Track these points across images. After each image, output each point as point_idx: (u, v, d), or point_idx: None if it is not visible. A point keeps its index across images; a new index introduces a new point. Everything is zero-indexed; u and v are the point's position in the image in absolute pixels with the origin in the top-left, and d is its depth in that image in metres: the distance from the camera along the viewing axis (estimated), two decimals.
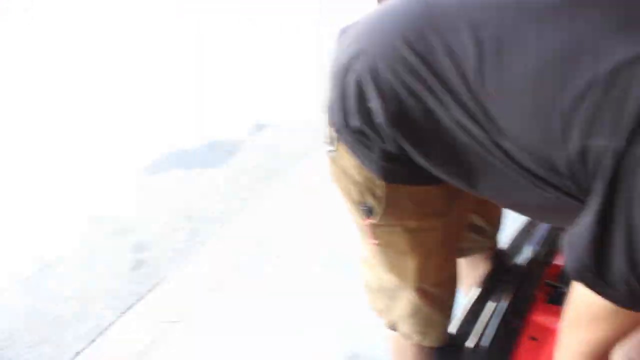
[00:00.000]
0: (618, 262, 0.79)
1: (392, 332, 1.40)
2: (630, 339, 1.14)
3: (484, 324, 1.40)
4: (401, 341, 1.40)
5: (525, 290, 1.42)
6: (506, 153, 0.90)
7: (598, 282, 0.84)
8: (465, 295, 1.56)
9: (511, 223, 1.62)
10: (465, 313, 1.47)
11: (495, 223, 1.52)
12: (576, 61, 0.80)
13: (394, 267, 1.22)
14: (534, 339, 1.28)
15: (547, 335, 1.27)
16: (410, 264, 1.19)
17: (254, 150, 3.35)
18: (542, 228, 1.64)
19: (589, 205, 0.80)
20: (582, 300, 0.90)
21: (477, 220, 1.44)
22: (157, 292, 2.54)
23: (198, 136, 3.56)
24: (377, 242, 1.19)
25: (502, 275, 1.53)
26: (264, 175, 3.10)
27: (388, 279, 1.26)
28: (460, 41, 0.90)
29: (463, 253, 1.53)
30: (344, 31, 1.14)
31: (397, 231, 1.15)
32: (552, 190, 0.89)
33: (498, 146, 0.90)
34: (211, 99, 3.94)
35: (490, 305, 1.44)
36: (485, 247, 1.55)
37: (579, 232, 0.83)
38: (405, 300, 1.28)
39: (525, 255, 1.58)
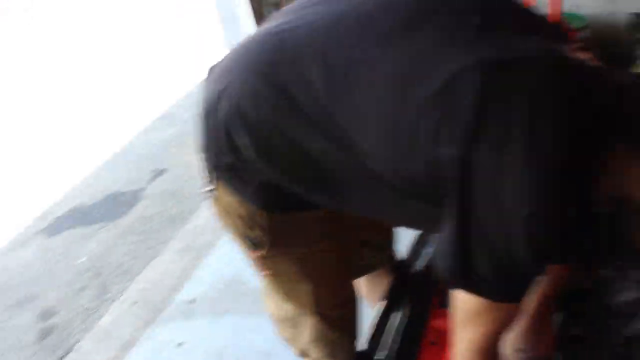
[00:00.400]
0: (481, 262, 0.84)
1: (304, 359, 1.41)
2: (514, 328, 1.21)
3: (390, 337, 1.43)
4: None
5: (424, 297, 1.47)
6: (370, 172, 0.94)
7: (469, 283, 0.89)
8: (372, 311, 1.59)
9: (406, 232, 1.66)
10: (372, 328, 1.50)
11: (388, 236, 1.56)
12: (415, 78, 0.85)
13: (289, 295, 1.24)
14: (434, 343, 1.33)
15: (445, 339, 1.31)
16: (304, 291, 1.21)
17: (156, 196, 3.29)
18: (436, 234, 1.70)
19: (448, 214, 0.85)
20: (461, 301, 0.94)
21: (370, 237, 1.48)
22: (70, 359, 2.44)
23: (96, 190, 3.47)
24: (269, 272, 1.20)
25: (403, 286, 1.57)
26: (168, 220, 3.04)
27: (287, 308, 1.27)
28: (312, 71, 0.94)
29: (363, 271, 1.56)
30: (211, 70, 1.16)
31: (286, 259, 1.17)
32: (420, 202, 0.93)
33: (362, 167, 0.94)
34: (106, 149, 3.86)
35: (394, 317, 1.48)
36: (383, 261, 1.59)
37: (443, 240, 0.87)
38: (308, 326, 1.29)
39: (422, 262, 1.63)
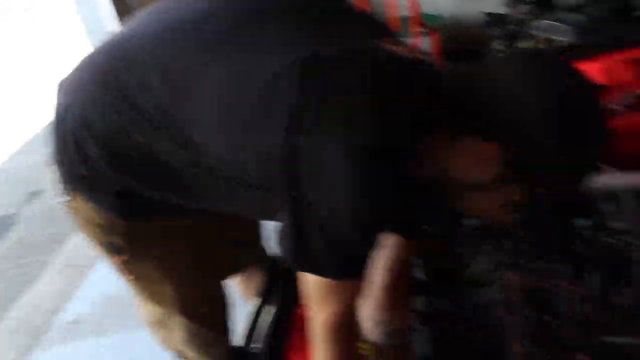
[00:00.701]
0: (316, 244, 0.91)
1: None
2: (369, 302, 1.28)
3: (264, 330, 1.49)
4: None
5: (292, 288, 1.53)
6: (213, 168, 0.99)
7: (309, 265, 0.95)
8: (248, 306, 1.63)
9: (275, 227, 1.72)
10: (247, 323, 1.54)
11: (255, 233, 1.61)
12: (245, 78, 0.92)
13: (154, 297, 1.26)
14: (302, 330, 1.38)
15: None
16: (167, 291, 1.24)
17: (32, 219, 3.17)
18: None
19: (283, 201, 0.91)
20: (308, 283, 1.01)
21: (238, 236, 1.51)
22: None
23: None
24: (132, 277, 1.22)
25: (275, 281, 1.62)
26: (46, 242, 2.94)
27: (154, 310, 1.30)
28: (152, 78, 0.99)
29: (234, 269, 1.60)
30: (60, 85, 1.17)
31: (147, 262, 1.20)
32: (262, 192, 0.98)
33: (206, 164, 0.99)
34: None
35: (267, 311, 1.53)
36: (255, 259, 1.64)
37: (283, 227, 0.93)
38: (178, 326, 1.32)
39: None
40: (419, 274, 1.74)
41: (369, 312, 1.28)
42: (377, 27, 1.07)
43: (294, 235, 0.92)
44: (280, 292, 1.54)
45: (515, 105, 0.85)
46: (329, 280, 0.97)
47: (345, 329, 1.08)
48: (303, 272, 1.00)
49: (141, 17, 1.12)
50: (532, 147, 0.86)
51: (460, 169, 0.92)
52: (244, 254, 1.58)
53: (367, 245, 0.95)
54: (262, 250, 1.66)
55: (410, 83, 0.93)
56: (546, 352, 1.28)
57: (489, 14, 3.27)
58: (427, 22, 3.40)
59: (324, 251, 0.92)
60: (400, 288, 1.32)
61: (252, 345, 1.44)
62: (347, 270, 0.97)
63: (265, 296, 1.57)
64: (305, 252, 0.93)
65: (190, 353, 1.38)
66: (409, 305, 1.41)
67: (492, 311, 1.44)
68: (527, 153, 0.87)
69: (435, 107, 0.93)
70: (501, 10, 3.21)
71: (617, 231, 1.49)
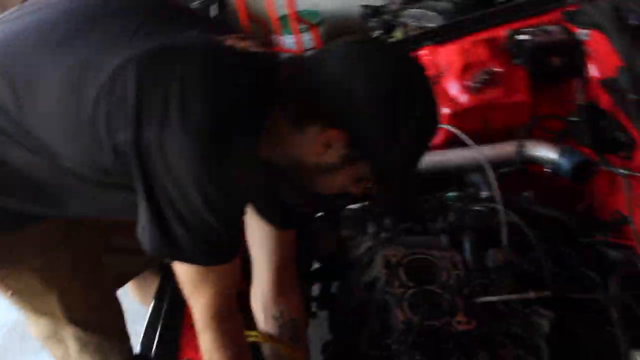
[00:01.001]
0: (178, 232, 0.94)
1: None
2: (261, 295, 1.31)
3: (160, 331, 1.49)
4: None
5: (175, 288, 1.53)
6: (69, 171, 1.00)
7: (174, 254, 0.98)
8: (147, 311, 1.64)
9: None
10: (146, 329, 1.54)
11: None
12: (86, 77, 0.94)
13: (39, 309, 1.25)
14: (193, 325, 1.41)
15: None
16: (50, 301, 1.23)
17: None
18: None
19: (140, 194, 0.94)
20: (179, 272, 1.04)
21: (123, 243, 1.46)
22: None
23: None
24: (10, 292, 1.21)
25: (166, 279, 1.62)
26: None
27: (42, 323, 1.28)
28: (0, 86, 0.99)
29: (128, 276, 1.60)
30: None
31: (24, 275, 1.19)
32: (122, 190, 0.99)
33: (62, 168, 1.00)
34: None
35: (162, 311, 1.54)
36: (145, 265, 1.63)
37: (143, 219, 0.96)
38: (70, 337, 1.31)
39: None
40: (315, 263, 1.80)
41: (263, 305, 1.31)
42: (216, 25, 1.12)
43: (155, 227, 0.94)
44: (171, 290, 1.55)
45: (345, 91, 0.92)
46: (198, 266, 1.00)
47: (224, 314, 1.09)
48: (174, 262, 1.02)
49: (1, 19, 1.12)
50: (364, 131, 0.93)
51: (305, 153, 0.98)
52: (133, 260, 1.56)
53: (229, 229, 0.99)
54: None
55: (246, 73, 0.98)
56: (427, 317, 1.36)
57: (366, 6, 3.40)
58: (306, 18, 3.49)
59: (187, 239, 0.95)
60: (290, 280, 1.34)
61: (151, 350, 1.44)
62: (212, 255, 1.00)
63: (159, 298, 1.58)
64: (167, 243, 0.95)
65: None
66: (303, 298, 1.43)
67: (378, 286, 1.50)
68: (360, 137, 0.93)
69: (273, 95, 0.98)
70: (377, 2, 3.34)
71: (484, 199, 1.62)
